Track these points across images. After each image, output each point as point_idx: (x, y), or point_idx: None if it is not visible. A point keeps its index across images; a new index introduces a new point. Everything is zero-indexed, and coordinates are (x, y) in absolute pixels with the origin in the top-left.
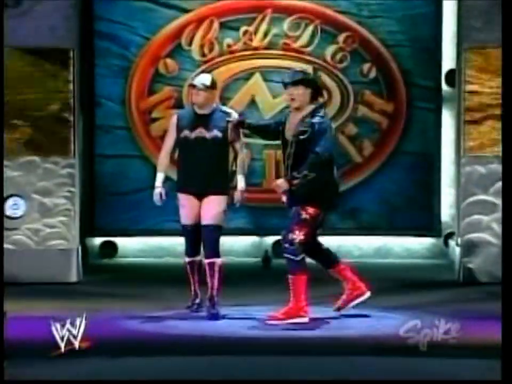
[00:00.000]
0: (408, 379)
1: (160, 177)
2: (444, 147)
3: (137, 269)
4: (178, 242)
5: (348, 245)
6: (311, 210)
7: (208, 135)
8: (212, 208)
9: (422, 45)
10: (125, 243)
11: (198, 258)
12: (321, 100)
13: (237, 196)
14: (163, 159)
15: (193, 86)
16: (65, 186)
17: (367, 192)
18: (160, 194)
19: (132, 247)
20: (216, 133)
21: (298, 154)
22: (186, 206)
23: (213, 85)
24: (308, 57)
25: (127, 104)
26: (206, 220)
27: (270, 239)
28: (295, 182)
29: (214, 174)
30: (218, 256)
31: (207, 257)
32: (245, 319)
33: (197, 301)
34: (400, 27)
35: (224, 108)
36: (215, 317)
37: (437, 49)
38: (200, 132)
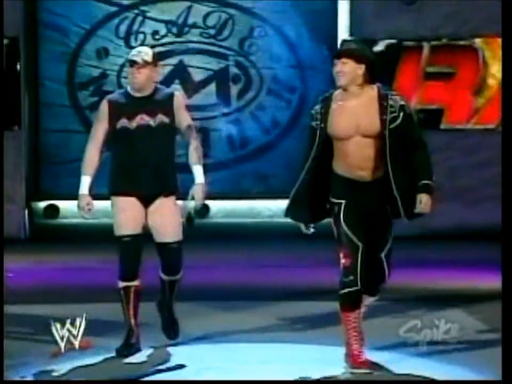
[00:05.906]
0: (408, 379)
1: (86, 182)
2: None
3: (76, 228)
4: None
5: (260, 207)
6: None
7: (152, 122)
8: (170, 218)
9: (321, 36)
10: (66, 206)
11: (135, 283)
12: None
13: (198, 193)
14: (91, 158)
15: (132, 62)
16: (12, 156)
17: (276, 159)
18: (87, 206)
19: (73, 209)
20: (162, 117)
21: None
22: (128, 210)
23: (155, 61)
24: (222, 45)
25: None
26: (169, 236)
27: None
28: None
29: (164, 169)
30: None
31: (168, 275)
32: None
33: (133, 340)
34: (303, 20)
35: (165, 88)
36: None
37: (333, 41)
38: (142, 119)
